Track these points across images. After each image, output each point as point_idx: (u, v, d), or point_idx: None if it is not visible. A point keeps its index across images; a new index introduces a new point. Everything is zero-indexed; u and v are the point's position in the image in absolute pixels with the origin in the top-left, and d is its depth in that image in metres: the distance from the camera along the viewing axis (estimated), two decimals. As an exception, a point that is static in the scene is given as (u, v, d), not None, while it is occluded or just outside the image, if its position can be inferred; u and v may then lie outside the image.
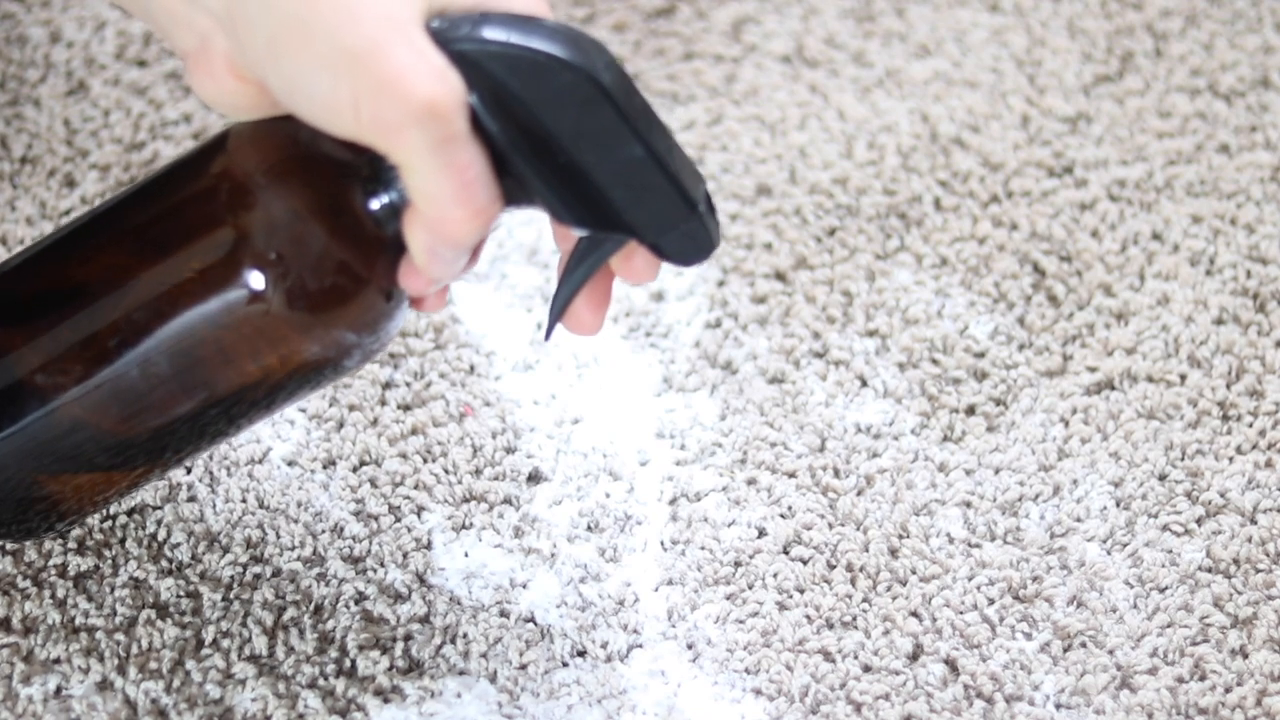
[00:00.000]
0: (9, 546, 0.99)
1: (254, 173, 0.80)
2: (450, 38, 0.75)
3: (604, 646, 0.98)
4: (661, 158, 0.77)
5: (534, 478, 1.05)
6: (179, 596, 0.98)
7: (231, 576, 0.99)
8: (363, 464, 1.04)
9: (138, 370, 0.82)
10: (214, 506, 1.02)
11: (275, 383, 0.83)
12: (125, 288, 0.82)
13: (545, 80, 0.76)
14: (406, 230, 0.79)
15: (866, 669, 0.98)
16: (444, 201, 0.75)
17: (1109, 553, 1.03)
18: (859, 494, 1.04)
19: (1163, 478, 1.06)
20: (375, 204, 0.80)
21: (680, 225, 0.79)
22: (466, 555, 1.01)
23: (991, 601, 1.00)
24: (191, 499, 1.02)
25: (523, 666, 0.97)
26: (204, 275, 0.80)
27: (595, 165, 0.77)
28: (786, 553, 1.02)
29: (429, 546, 1.01)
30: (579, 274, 0.81)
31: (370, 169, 0.80)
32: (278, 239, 0.79)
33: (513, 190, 0.78)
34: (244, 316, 0.80)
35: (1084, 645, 0.99)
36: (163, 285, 0.81)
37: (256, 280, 0.79)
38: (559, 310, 0.82)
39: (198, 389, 0.84)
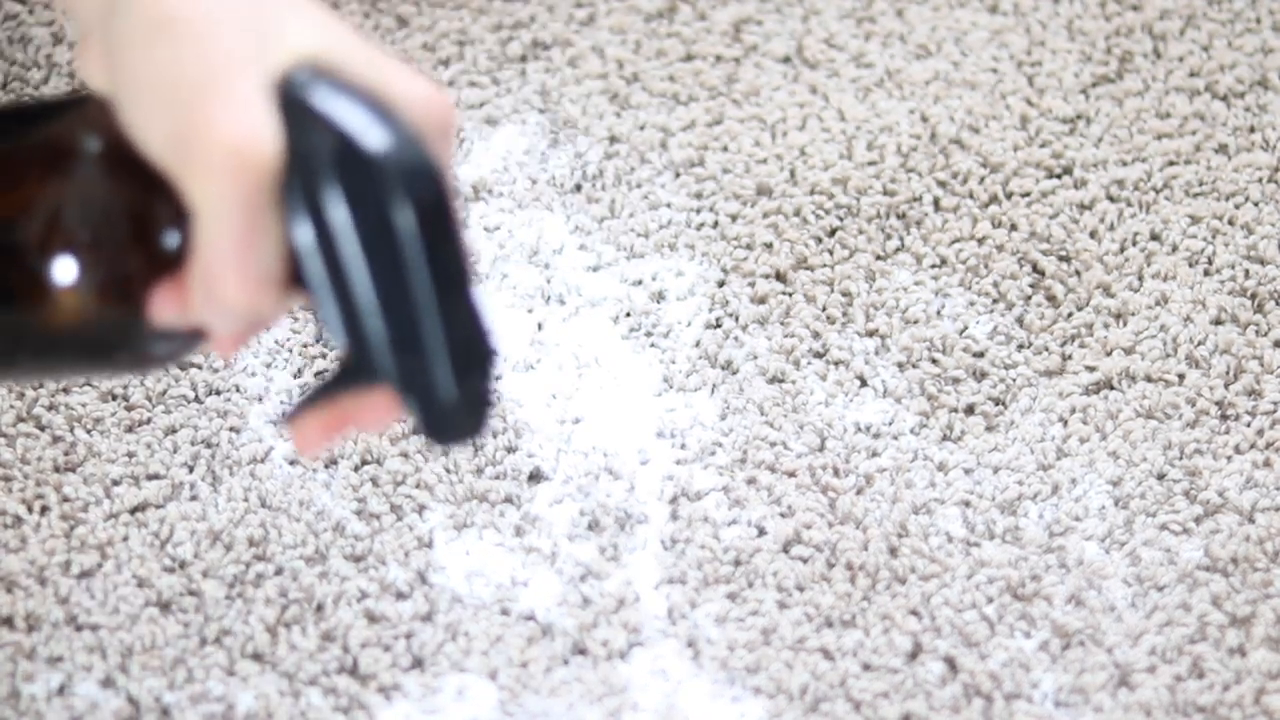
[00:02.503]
0: (12, 544, 1.00)
1: (90, 146, 0.78)
2: (292, 95, 0.69)
3: (604, 645, 0.99)
4: (444, 319, 0.69)
5: (535, 477, 1.05)
6: (181, 594, 0.99)
7: (234, 574, 1.00)
8: (364, 463, 1.05)
9: None
10: (216, 505, 1.02)
11: (28, 351, 0.82)
12: None
13: (357, 173, 0.68)
14: (188, 276, 0.74)
15: (866, 667, 0.98)
16: (219, 258, 0.71)
17: (1108, 551, 1.03)
18: (859, 493, 1.05)
19: (1161, 477, 1.06)
20: (171, 238, 0.74)
21: (436, 401, 0.70)
22: (468, 554, 1.02)
23: (990, 600, 1.01)
24: (194, 498, 1.03)
25: (524, 664, 0.98)
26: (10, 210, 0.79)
27: (364, 292, 0.69)
28: (786, 552, 1.02)
29: (430, 545, 1.02)
30: (337, 385, 0.73)
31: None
32: (86, 220, 0.78)
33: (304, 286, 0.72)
34: (24, 278, 0.79)
35: (1083, 644, 0.99)
36: None
37: (55, 252, 0.78)
38: (292, 414, 0.75)
39: None
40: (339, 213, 0.68)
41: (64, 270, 0.76)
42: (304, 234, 0.69)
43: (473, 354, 0.70)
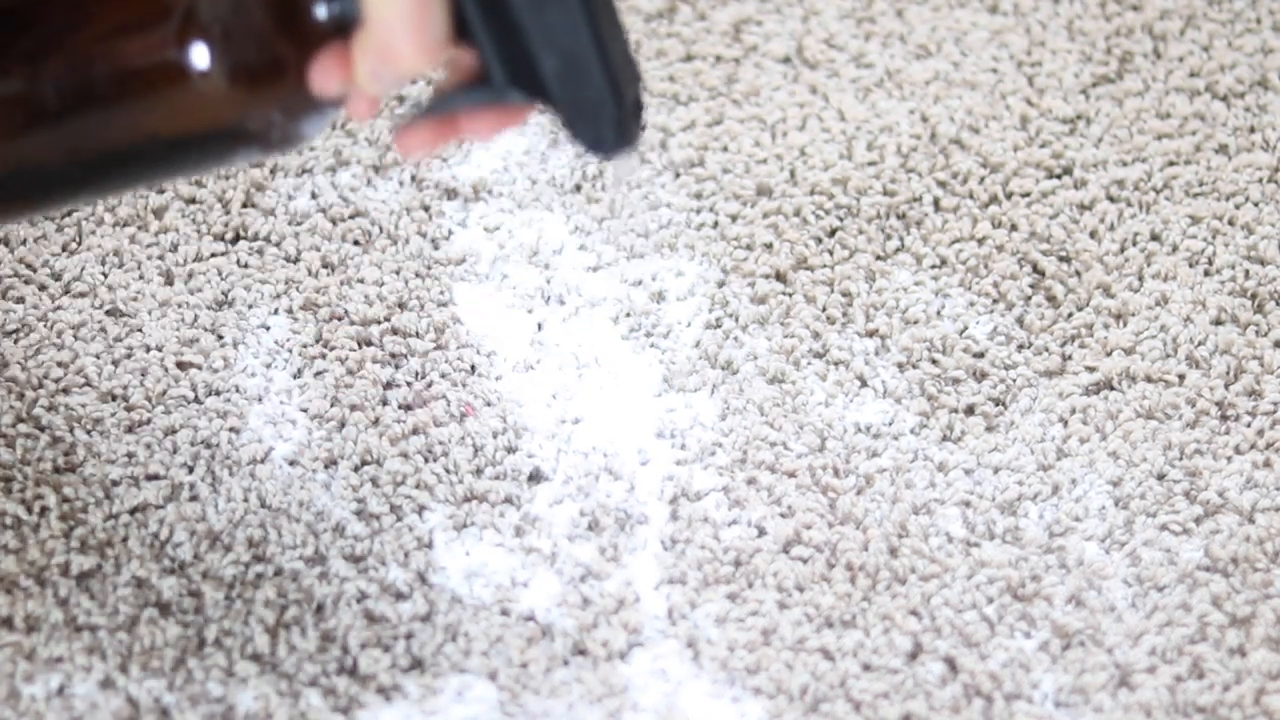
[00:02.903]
0: (12, 545, 1.00)
1: None
2: None
3: (604, 645, 0.99)
4: (604, 46, 0.79)
5: (535, 477, 1.05)
6: (181, 595, 0.99)
7: (234, 575, 1.00)
8: (364, 463, 1.05)
9: (58, 98, 0.85)
10: (216, 506, 1.02)
11: (191, 142, 0.85)
12: (74, 26, 0.84)
13: None
14: (355, 47, 0.80)
15: (866, 668, 0.98)
16: (395, 29, 0.77)
17: (1108, 552, 1.03)
18: (859, 493, 1.05)
19: (1161, 477, 1.06)
20: (323, 12, 0.81)
21: (601, 115, 0.80)
22: (468, 554, 1.02)
23: (990, 600, 1.01)
24: (194, 498, 1.03)
25: (524, 665, 0.98)
26: (142, 27, 0.83)
27: (539, 34, 0.79)
28: (786, 552, 1.02)
29: (430, 545, 1.02)
30: (462, 99, 0.82)
31: None
32: (221, 9, 0.81)
33: (462, 32, 0.80)
34: (176, 77, 0.83)
35: (1083, 644, 0.99)
36: (107, 30, 0.84)
37: (199, 52, 0.82)
38: (405, 123, 0.84)
39: (117, 129, 0.85)
40: None
41: (199, 57, 0.82)
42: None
43: (628, 69, 0.80)
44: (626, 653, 0.98)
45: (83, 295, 1.10)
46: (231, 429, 1.05)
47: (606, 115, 0.80)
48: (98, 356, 1.08)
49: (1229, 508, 1.04)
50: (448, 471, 1.04)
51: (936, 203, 1.17)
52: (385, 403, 1.07)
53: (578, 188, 1.17)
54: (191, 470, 1.04)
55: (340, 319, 1.10)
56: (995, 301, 1.13)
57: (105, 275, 1.11)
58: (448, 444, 1.05)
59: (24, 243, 1.12)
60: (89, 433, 1.05)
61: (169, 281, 1.12)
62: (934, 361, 1.10)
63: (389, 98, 0.85)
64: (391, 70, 0.79)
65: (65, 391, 1.07)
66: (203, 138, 0.85)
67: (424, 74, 0.80)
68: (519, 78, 0.80)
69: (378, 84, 0.80)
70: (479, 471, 1.05)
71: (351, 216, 1.14)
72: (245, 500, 1.03)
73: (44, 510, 1.02)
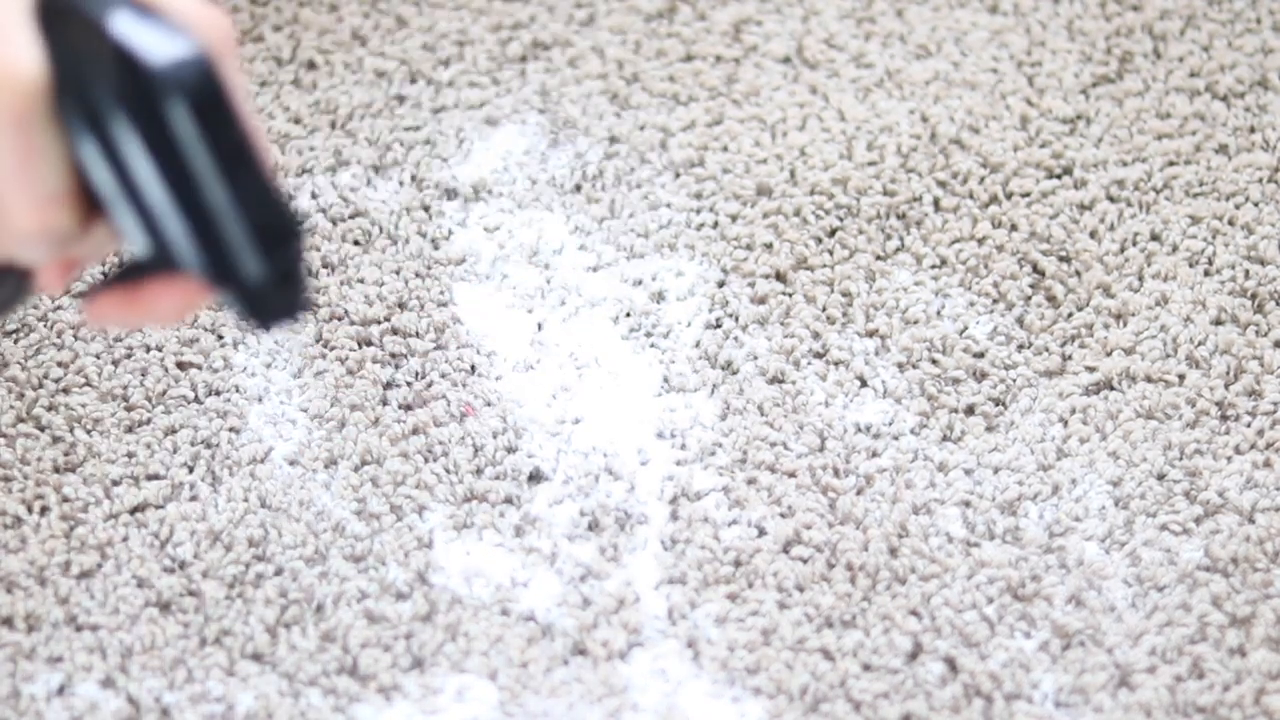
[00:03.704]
0: (12, 544, 1.00)
1: None
2: (53, 10, 0.69)
3: (604, 645, 0.99)
4: (234, 209, 0.69)
5: (535, 477, 1.05)
6: (181, 594, 0.99)
7: (234, 575, 1.00)
8: (364, 463, 1.05)
9: None
10: (216, 505, 1.02)
11: None
12: None
13: (127, 76, 0.69)
14: None
15: (866, 668, 0.98)
16: (2, 185, 0.70)
17: (1108, 552, 1.03)
18: (859, 493, 1.05)
19: (1161, 477, 1.06)
20: None
21: (248, 285, 0.71)
22: (468, 554, 1.02)
23: (990, 600, 1.01)
24: (194, 498, 1.03)
25: (524, 665, 0.98)
26: None
27: (155, 192, 0.70)
28: (786, 552, 1.02)
29: (430, 545, 1.02)
30: (141, 268, 0.73)
31: None
32: None
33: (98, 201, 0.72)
34: None
35: (1083, 644, 0.99)
36: None
37: None
38: (90, 293, 0.75)
39: None
40: (117, 119, 0.68)
41: None
42: (86, 147, 0.69)
43: (275, 231, 0.70)
44: (626, 653, 0.98)
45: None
46: (231, 429, 1.05)
47: (249, 286, 0.70)
48: (98, 356, 1.08)
49: (1229, 508, 1.04)
50: (448, 471, 1.04)
51: (936, 203, 1.17)
52: (385, 403, 1.07)
53: (578, 188, 1.17)
54: (191, 470, 1.04)
55: (340, 319, 1.10)
56: (995, 301, 1.13)
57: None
58: (448, 444, 1.05)
59: (24, 242, 1.12)
60: (89, 432, 1.05)
61: (169, 281, 1.11)
62: (934, 361, 1.10)
63: (73, 270, 0.79)
64: (14, 230, 0.71)
65: (65, 391, 1.07)
66: None
67: (57, 235, 0.74)
68: (154, 242, 0.70)
69: (15, 248, 0.72)
70: (479, 471, 1.05)
71: (351, 216, 1.15)
72: (245, 500, 1.03)
73: (44, 510, 1.02)
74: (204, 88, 0.68)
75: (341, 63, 1.21)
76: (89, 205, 0.72)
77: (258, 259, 0.70)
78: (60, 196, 0.71)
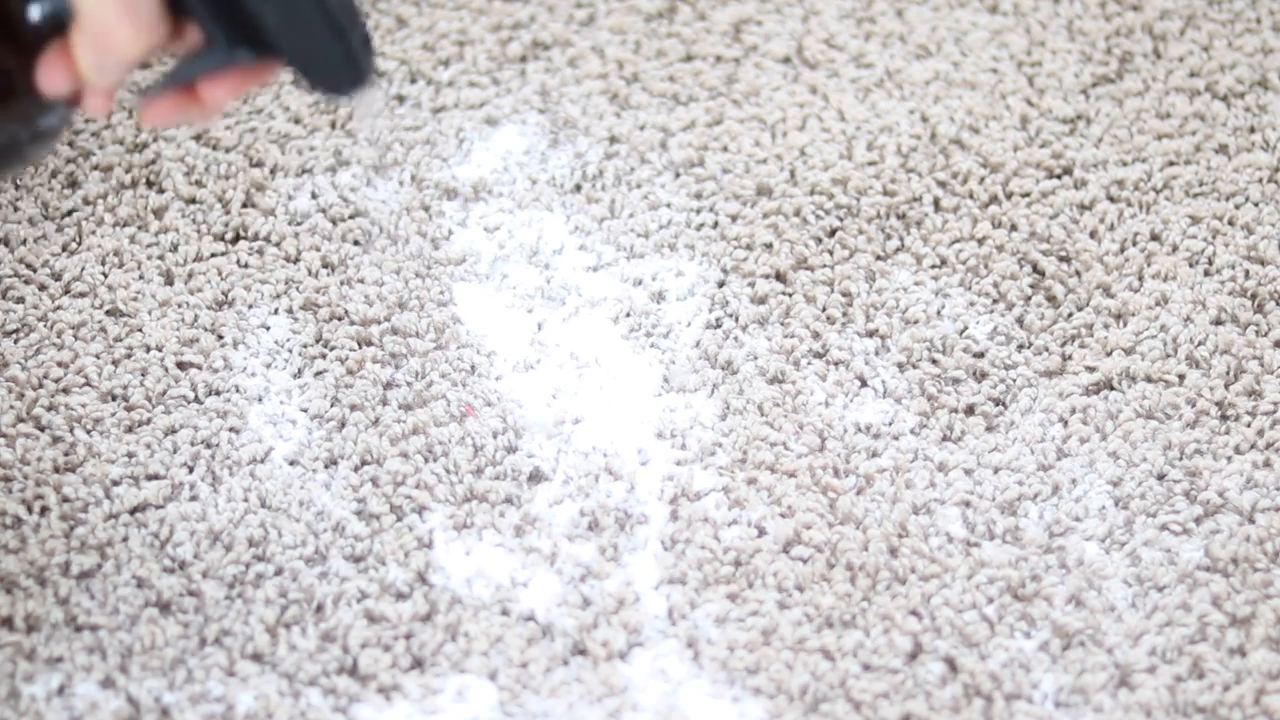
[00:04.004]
0: (12, 544, 1.00)
1: None
2: None
3: (604, 645, 0.99)
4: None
5: (535, 477, 1.05)
6: (181, 595, 0.99)
7: (234, 575, 1.00)
8: (364, 463, 1.05)
9: None
10: (216, 505, 1.02)
11: None
12: None
13: None
14: (74, 43, 0.80)
15: (866, 668, 0.98)
16: (107, 15, 0.77)
17: (1108, 552, 1.03)
18: (859, 493, 1.05)
19: (1161, 477, 1.06)
20: (36, 14, 0.81)
21: (329, 58, 0.80)
22: (468, 554, 1.02)
23: (990, 600, 1.01)
24: (194, 498, 1.03)
25: (524, 665, 0.98)
26: None
27: None
28: (786, 552, 1.02)
29: (430, 545, 1.02)
30: (195, 66, 0.81)
31: None
32: None
33: (180, 7, 0.80)
34: None
35: (1083, 644, 0.99)
36: None
37: None
38: (149, 93, 0.83)
39: None
40: None
41: None
42: None
43: (347, 9, 0.80)
44: (626, 653, 0.98)
45: (83, 295, 1.10)
46: (231, 429, 1.05)
47: (335, 57, 0.80)
48: (98, 356, 1.08)
49: (1229, 508, 1.04)
50: (448, 471, 1.04)
51: (936, 203, 1.17)
52: (385, 403, 1.07)
53: (578, 188, 1.17)
54: (191, 470, 1.04)
55: (340, 319, 1.10)
56: (995, 301, 1.13)
57: (105, 275, 1.11)
58: (448, 444, 1.05)
59: (24, 243, 1.12)
60: (89, 433, 1.05)
61: (169, 281, 1.12)
62: (934, 361, 1.10)
63: (122, 87, 0.85)
64: (112, 57, 0.78)
65: (65, 391, 1.07)
66: None
67: (147, 56, 0.80)
68: (244, 37, 0.80)
69: (103, 75, 0.80)
70: (479, 471, 1.05)
71: (351, 216, 1.15)
72: (245, 500, 1.03)
73: (44, 510, 1.02)
74: None
75: (341, 63, 1.21)
76: (173, 19, 0.79)
77: (357, 23, 0.80)
78: (158, 17, 0.77)
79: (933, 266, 1.14)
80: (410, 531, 1.02)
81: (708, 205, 1.16)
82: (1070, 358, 1.11)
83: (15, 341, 1.08)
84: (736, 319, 1.12)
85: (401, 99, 1.19)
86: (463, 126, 1.19)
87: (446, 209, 1.15)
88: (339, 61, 0.80)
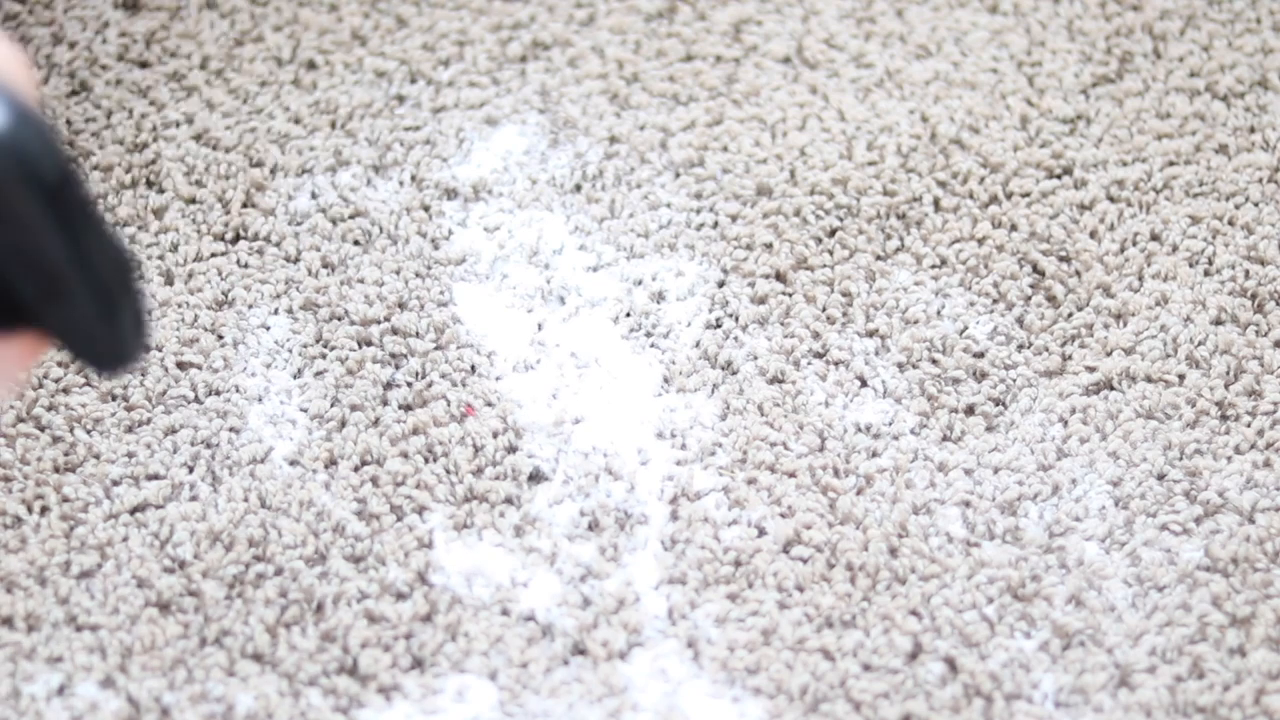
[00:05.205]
0: (12, 544, 1.00)
1: None
2: None
3: (604, 645, 0.99)
4: (87, 260, 0.71)
5: (535, 477, 1.05)
6: (181, 594, 0.99)
7: (234, 575, 1.00)
8: (364, 463, 1.05)
9: None
10: (216, 505, 1.02)
11: None
12: None
13: None
14: None
15: (866, 668, 0.98)
16: None
17: (1108, 552, 1.03)
18: (859, 493, 1.05)
19: (1161, 477, 1.06)
20: None
21: (95, 334, 0.72)
22: (468, 554, 1.02)
23: (990, 600, 1.01)
24: (194, 498, 1.03)
25: (524, 665, 0.98)
26: None
27: (5, 257, 0.70)
28: (786, 552, 1.02)
29: (430, 545, 1.02)
30: None
31: None
32: None
33: None
34: None
35: (1083, 644, 0.99)
36: None
37: None
38: None
39: None
40: None
41: None
42: None
43: (118, 282, 0.72)
44: (626, 653, 0.98)
45: None
46: (231, 429, 1.05)
47: (102, 336, 0.72)
48: (98, 356, 1.08)
49: (1229, 508, 1.04)
50: (448, 471, 1.04)
51: (936, 203, 1.17)
52: (385, 403, 1.07)
53: (578, 188, 1.17)
54: (191, 470, 1.04)
55: (340, 319, 1.10)
56: (995, 301, 1.13)
57: None
58: (448, 444, 1.05)
59: (24, 242, 1.12)
60: (89, 432, 1.05)
61: (169, 281, 1.12)
62: (934, 361, 1.10)
63: None
64: None
65: (65, 391, 1.07)
66: None
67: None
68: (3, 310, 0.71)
69: None
70: (479, 471, 1.05)
71: (351, 216, 1.15)
72: (245, 500, 1.03)
73: (44, 510, 1.02)
74: (50, 165, 0.68)
75: (341, 63, 1.21)
76: None
77: (130, 297, 0.72)
78: None
79: (933, 266, 1.14)
80: (410, 531, 1.02)
81: (708, 205, 1.16)
82: (1070, 358, 1.11)
83: (15, 341, 1.08)
84: (736, 319, 1.12)
85: (401, 99, 1.19)
86: (463, 126, 1.19)
87: (446, 209, 1.15)
88: (106, 340, 0.73)
